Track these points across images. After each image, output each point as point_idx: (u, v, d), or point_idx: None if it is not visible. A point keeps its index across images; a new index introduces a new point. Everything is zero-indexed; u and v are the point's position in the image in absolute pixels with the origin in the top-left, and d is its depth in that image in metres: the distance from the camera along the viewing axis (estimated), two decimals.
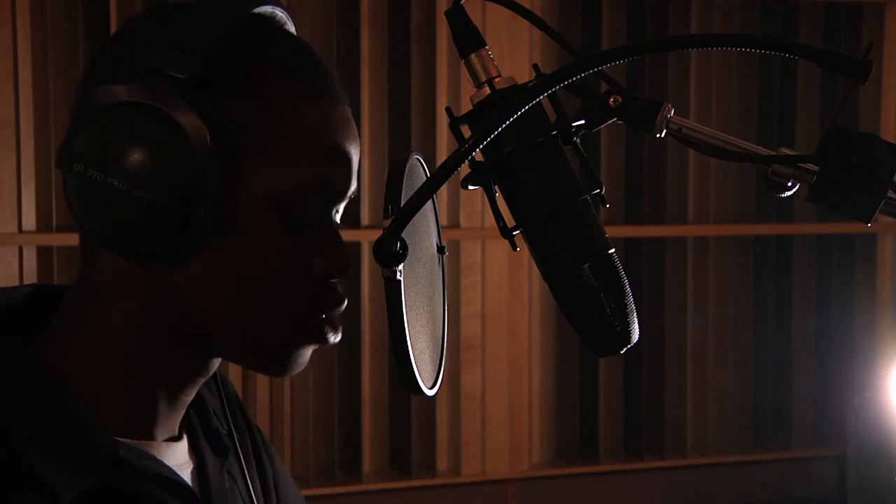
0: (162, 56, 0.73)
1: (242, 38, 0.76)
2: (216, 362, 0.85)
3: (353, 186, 0.83)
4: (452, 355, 2.95)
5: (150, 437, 0.83)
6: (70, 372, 0.80)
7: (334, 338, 0.82)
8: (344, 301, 0.82)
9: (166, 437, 0.85)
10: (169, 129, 0.72)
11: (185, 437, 0.88)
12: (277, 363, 0.82)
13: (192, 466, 0.87)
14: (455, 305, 2.95)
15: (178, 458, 0.86)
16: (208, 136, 0.73)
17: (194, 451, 0.89)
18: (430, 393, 0.77)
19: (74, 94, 0.81)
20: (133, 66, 0.74)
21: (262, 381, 2.84)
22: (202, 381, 0.85)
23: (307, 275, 0.80)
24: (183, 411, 0.86)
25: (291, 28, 0.84)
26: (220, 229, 0.76)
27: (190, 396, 0.86)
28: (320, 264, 0.80)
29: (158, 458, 0.82)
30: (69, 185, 0.75)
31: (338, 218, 0.83)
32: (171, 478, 0.82)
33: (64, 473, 0.75)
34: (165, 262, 0.77)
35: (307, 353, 0.83)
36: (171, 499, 0.81)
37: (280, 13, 0.82)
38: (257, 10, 0.79)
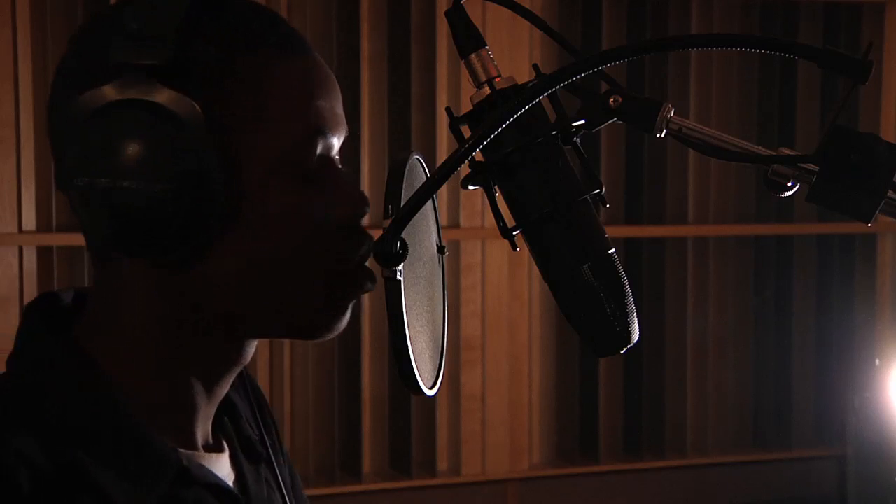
0: (129, 49, 0.72)
1: (199, 13, 0.76)
2: (251, 349, 0.84)
3: (345, 126, 0.83)
4: (452, 355, 2.95)
5: (191, 438, 0.82)
6: (113, 375, 0.79)
7: (371, 284, 0.82)
8: (371, 237, 0.81)
9: (203, 440, 0.84)
10: (162, 117, 0.72)
11: (226, 448, 0.87)
12: (322, 324, 0.82)
13: (233, 477, 0.87)
14: (455, 305, 2.95)
15: (223, 469, 0.85)
16: (202, 115, 0.72)
17: (234, 461, 0.88)
18: (430, 393, 0.77)
19: (46, 113, 0.80)
20: (103, 65, 0.73)
21: (262, 381, 2.84)
22: (237, 369, 0.84)
23: (331, 224, 0.79)
24: (216, 405, 0.85)
25: None
26: (238, 207, 0.75)
27: (225, 388, 0.85)
28: (341, 210, 0.80)
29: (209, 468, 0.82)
30: (77, 200, 0.74)
31: (339, 163, 0.83)
32: (224, 487, 0.81)
33: (128, 486, 0.74)
34: (192, 255, 0.75)
35: (348, 308, 0.82)
36: None
37: None
38: None
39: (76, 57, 0.79)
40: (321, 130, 0.79)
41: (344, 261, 0.80)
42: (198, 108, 0.72)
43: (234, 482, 0.86)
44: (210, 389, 0.83)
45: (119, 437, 0.76)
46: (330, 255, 0.80)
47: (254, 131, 0.76)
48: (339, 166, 0.83)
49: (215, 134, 0.73)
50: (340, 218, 0.80)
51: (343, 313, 0.82)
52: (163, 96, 0.72)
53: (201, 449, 0.83)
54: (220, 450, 0.86)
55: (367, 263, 0.82)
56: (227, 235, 0.76)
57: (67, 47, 0.80)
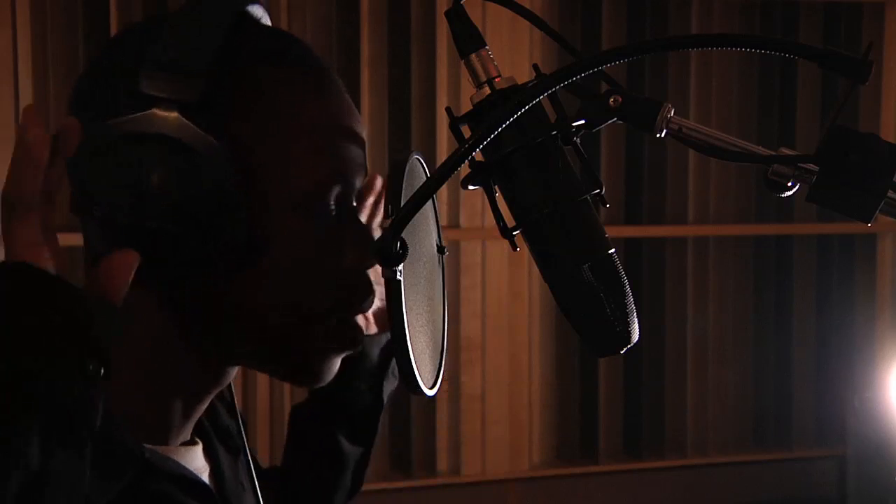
0: (160, 81, 0.70)
1: (233, 46, 0.74)
2: (234, 372, 0.84)
3: (366, 169, 0.82)
4: (452, 355, 2.95)
5: (165, 443, 0.82)
6: None
7: (357, 346, 0.81)
8: (373, 289, 0.81)
9: (180, 441, 0.84)
10: (186, 157, 0.70)
11: (199, 442, 0.87)
12: (311, 370, 0.81)
13: (208, 470, 0.86)
14: (455, 305, 2.95)
15: (196, 461, 0.85)
16: (227, 157, 0.71)
17: (208, 453, 0.88)
18: (431, 393, 0.77)
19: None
20: (132, 95, 0.71)
21: (262, 381, 2.84)
22: (218, 390, 0.84)
23: (341, 268, 0.78)
24: (196, 419, 0.85)
25: (268, 21, 0.82)
26: (252, 246, 0.74)
27: (205, 405, 0.85)
28: (352, 255, 0.79)
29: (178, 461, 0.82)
30: (91, 229, 0.73)
31: (354, 203, 0.82)
32: (192, 479, 0.81)
33: (98, 475, 0.72)
34: (199, 292, 0.75)
35: (338, 361, 0.82)
36: (192, 501, 0.80)
37: (257, 8, 0.80)
38: (238, 12, 0.76)
39: (102, 79, 0.77)
40: (343, 174, 0.78)
41: (344, 308, 0.80)
42: (223, 149, 0.71)
43: (209, 473, 0.86)
44: (188, 408, 0.82)
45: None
46: (334, 299, 0.79)
47: (277, 171, 0.75)
48: (354, 206, 0.82)
49: (238, 174, 0.72)
50: (352, 263, 0.79)
51: (330, 366, 0.81)
52: (189, 134, 0.70)
53: (173, 445, 0.83)
54: (194, 443, 0.86)
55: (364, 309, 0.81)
56: (240, 272, 0.75)
57: (93, 65, 0.78)
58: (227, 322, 0.77)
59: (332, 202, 0.78)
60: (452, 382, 3.00)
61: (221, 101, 0.73)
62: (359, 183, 0.81)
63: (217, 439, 0.90)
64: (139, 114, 0.70)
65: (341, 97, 0.80)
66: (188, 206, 0.70)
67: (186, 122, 0.70)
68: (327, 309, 0.79)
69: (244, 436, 0.95)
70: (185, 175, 0.70)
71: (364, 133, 0.82)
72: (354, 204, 0.82)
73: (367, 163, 0.83)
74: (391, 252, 0.69)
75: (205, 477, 0.85)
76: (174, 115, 0.70)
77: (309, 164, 0.76)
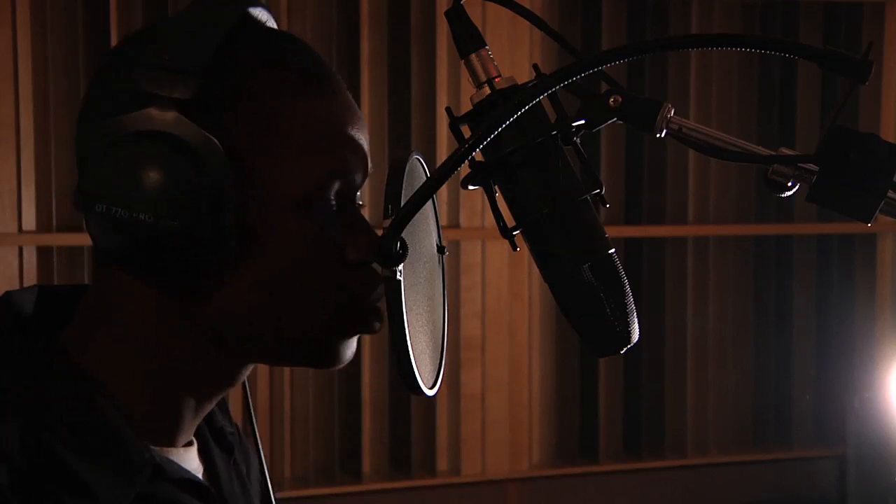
0: (158, 80, 0.72)
1: (232, 46, 0.75)
2: (246, 372, 0.84)
3: (370, 168, 0.83)
4: (452, 355, 2.95)
5: (172, 444, 0.82)
6: (95, 377, 0.79)
7: (378, 324, 0.82)
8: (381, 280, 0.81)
9: (184, 442, 0.84)
10: (184, 154, 0.72)
11: (195, 442, 0.87)
12: (327, 356, 0.81)
13: (202, 470, 0.87)
14: (455, 305, 2.95)
15: (192, 462, 0.85)
16: (223, 153, 0.73)
17: (203, 453, 0.88)
18: (430, 393, 0.77)
19: (74, 127, 0.79)
20: (131, 94, 0.73)
21: (262, 381, 2.84)
22: (228, 390, 0.85)
23: (343, 265, 0.79)
24: (201, 419, 0.85)
25: (272, 24, 0.83)
26: (251, 241, 0.75)
27: (213, 404, 0.85)
28: (353, 251, 0.79)
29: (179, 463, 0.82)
30: (93, 224, 0.74)
31: (359, 200, 0.83)
32: (195, 481, 0.82)
33: (112, 482, 0.74)
34: (201, 286, 0.76)
35: (354, 342, 0.82)
36: (196, 502, 0.81)
37: (260, 11, 0.81)
38: (239, 13, 0.78)
39: (106, 80, 0.78)
40: (344, 172, 0.79)
41: (355, 300, 0.80)
42: (220, 145, 0.72)
43: (202, 474, 0.86)
44: (198, 406, 0.83)
45: (99, 436, 0.76)
46: (339, 295, 0.79)
47: (275, 168, 0.76)
48: (358, 204, 0.82)
49: (235, 170, 0.73)
50: (353, 259, 0.79)
51: (346, 350, 0.82)
52: (186, 130, 0.72)
53: (178, 446, 0.83)
54: (190, 443, 0.86)
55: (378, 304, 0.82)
56: (238, 268, 0.76)
57: (99, 68, 0.80)
58: (232, 320, 0.78)
59: (333, 199, 0.79)
60: (452, 382, 3.00)
61: (219, 100, 0.74)
62: (361, 176, 0.82)
63: (212, 439, 0.91)
64: (137, 111, 0.72)
65: (340, 96, 0.80)
66: (184, 201, 0.72)
67: (183, 118, 0.72)
68: (336, 299, 0.79)
69: (258, 438, 0.96)
70: (181, 170, 0.72)
71: (365, 130, 0.82)
72: (359, 200, 0.83)
73: (369, 161, 0.83)
74: (391, 252, 0.69)
75: (199, 477, 0.85)
76: (172, 111, 0.72)
77: (305, 163, 0.77)
